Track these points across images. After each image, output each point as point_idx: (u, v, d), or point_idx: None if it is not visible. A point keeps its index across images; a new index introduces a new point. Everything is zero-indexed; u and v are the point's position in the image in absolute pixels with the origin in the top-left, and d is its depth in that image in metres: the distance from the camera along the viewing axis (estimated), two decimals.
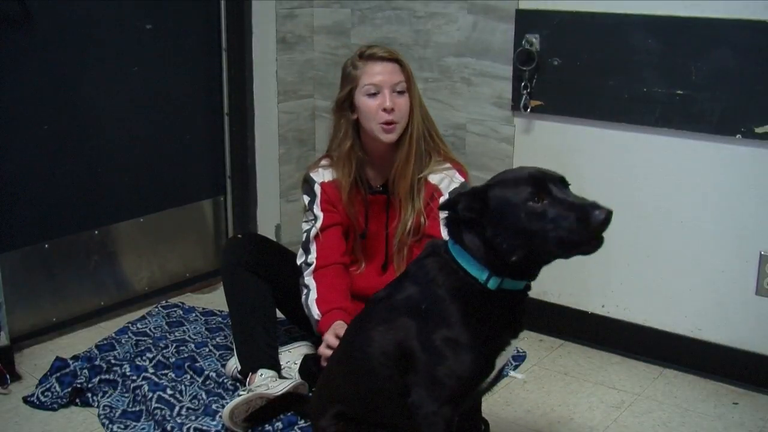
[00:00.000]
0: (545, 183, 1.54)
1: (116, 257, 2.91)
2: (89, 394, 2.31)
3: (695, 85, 2.34)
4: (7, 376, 2.38)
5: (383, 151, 2.28)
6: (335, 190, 2.31)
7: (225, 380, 2.39)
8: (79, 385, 2.32)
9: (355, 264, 2.39)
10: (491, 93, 2.74)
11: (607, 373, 2.53)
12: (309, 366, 2.35)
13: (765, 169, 2.30)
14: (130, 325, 2.75)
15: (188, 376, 2.39)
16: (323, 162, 2.36)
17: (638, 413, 2.29)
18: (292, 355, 2.41)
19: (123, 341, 2.61)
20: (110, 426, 2.16)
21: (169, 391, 2.26)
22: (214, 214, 3.23)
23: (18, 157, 2.58)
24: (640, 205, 2.51)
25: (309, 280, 2.27)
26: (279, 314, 2.42)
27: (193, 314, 2.87)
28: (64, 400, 2.29)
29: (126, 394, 2.30)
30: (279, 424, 2.13)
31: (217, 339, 2.65)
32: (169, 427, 2.10)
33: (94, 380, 2.34)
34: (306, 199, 2.35)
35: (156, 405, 2.20)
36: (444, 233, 1.72)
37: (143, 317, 2.82)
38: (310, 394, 2.24)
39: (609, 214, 1.47)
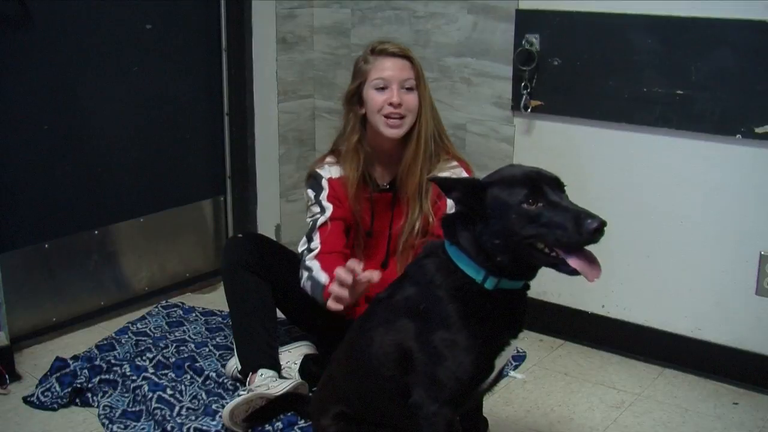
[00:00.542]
0: (540, 185, 1.53)
1: (116, 257, 2.91)
2: (89, 394, 2.31)
3: (695, 85, 2.33)
4: (7, 376, 2.38)
5: (389, 148, 2.28)
6: (342, 186, 2.30)
7: (225, 380, 2.39)
8: (79, 385, 2.32)
9: None
10: (491, 93, 2.74)
11: (607, 373, 2.53)
12: (309, 366, 2.35)
13: (765, 169, 2.29)
14: (130, 325, 2.75)
15: (188, 376, 2.39)
16: (329, 159, 2.35)
17: (638, 413, 2.29)
18: (292, 355, 2.41)
19: (123, 341, 2.61)
20: (110, 426, 2.16)
21: (169, 391, 2.26)
22: (214, 214, 3.23)
23: (18, 157, 2.58)
24: (640, 205, 2.51)
25: (311, 262, 2.22)
26: (279, 314, 2.42)
27: (193, 314, 2.87)
28: (64, 400, 2.28)
29: (126, 394, 2.30)
30: (279, 424, 2.13)
31: (217, 339, 2.65)
32: (169, 427, 2.10)
33: (94, 380, 2.34)
34: (311, 193, 2.33)
35: (156, 405, 2.20)
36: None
37: (143, 317, 2.82)
38: (310, 394, 2.24)
39: (602, 223, 1.44)
